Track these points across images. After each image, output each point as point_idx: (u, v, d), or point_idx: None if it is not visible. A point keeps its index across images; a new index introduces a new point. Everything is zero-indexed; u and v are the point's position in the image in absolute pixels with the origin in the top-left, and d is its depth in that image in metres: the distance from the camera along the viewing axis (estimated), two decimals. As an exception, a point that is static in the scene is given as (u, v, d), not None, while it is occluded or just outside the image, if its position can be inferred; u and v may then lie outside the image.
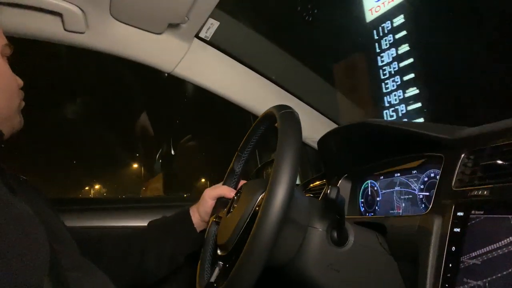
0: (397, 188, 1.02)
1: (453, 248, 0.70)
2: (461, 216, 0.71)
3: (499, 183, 0.67)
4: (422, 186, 0.94)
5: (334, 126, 1.34)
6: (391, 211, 1.03)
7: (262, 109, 1.06)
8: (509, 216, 0.62)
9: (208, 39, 1.22)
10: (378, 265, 0.86)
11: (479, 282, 0.63)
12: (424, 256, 0.74)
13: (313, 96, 1.34)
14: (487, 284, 0.61)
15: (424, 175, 0.94)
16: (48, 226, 0.67)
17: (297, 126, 0.78)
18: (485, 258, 0.63)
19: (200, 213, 1.05)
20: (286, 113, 0.82)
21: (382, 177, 1.08)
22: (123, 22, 1.11)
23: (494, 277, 0.61)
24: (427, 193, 0.93)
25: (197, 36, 1.20)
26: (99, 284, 0.75)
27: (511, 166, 0.67)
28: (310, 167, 1.39)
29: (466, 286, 0.64)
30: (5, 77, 0.81)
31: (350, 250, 0.85)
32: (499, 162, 0.69)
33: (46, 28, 1.06)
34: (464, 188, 0.74)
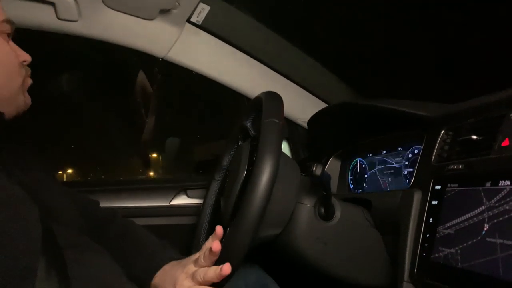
0: (383, 165, 1.06)
1: (431, 220, 0.74)
2: (438, 189, 0.75)
3: (473, 156, 0.71)
4: (406, 162, 0.98)
5: (325, 106, 1.37)
6: (378, 187, 1.07)
7: (255, 91, 1.10)
8: (480, 188, 0.66)
9: (200, 24, 1.24)
10: (363, 238, 0.91)
11: (452, 250, 0.67)
12: (404, 228, 0.79)
13: (304, 76, 1.37)
14: (459, 251, 0.66)
15: (408, 152, 0.98)
16: (45, 204, 0.68)
17: (280, 101, 0.82)
18: (458, 228, 0.67)
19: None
20: (269, 95, 0.85)
21: (370, 154, 1.12)
22: (115, 9, 1.13)
23: (465, 244, 0.65)
24: (411, 169, 0.97)
25: (188, 20, 1.22)
26: (97, 262, 0.74)
27: (484, 141, 0.70)
28: (301, 146, 1.42)
29: (441, 254, 0.69)
30: (3, 56, 0.77)
31: (337, 224, 0.89)
32: (474, 137, 0.73)
33: (39, 17, 1.08)
34: (442, 163, 0.78)
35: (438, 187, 0.75)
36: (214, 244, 0.73)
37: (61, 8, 1.07)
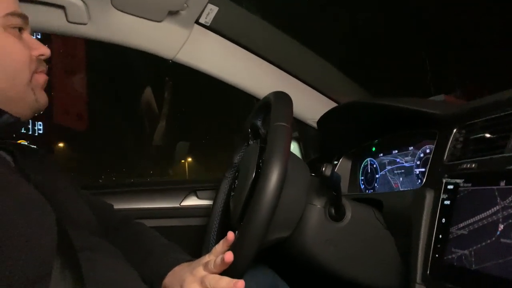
0: (395, 165, 1.05)
1: (443, 220, 0.72)
2: (451, 189, 0.73)
3: (486, 155, 0.69)
4: (418, 162, 0.97)
5: (335, 105, 1.36)
6: (389, 187, 1.06)
7: (264, 92, 1.09)
8: (494, 187, 0.64)
9: (208, 25, 1.24)
10: (375, 239, 0.90)
11: (465, 251, 0.65)
12: (416, 228, 0.77)
13: (313, 76, 1.36)
14: (473, 252, 0.64)
15: (420, 151, 0.96)
16: (60, 205, 0.69)
17: (289, 103, 0.81)
18: (471, 228, 0.66)
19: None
20: (278, 97, 0.84)
21: (381, 154, 1.10)
22: (124, 12, 1.14)
23: (479, 245, 0.63)
24: (423, 169, 0.95)
25: (197, 22, 1.22)
26: (113, 264, 0.74)
27: (497, 139, 0.69)
28: (311, 147, 1.41)
29: (454, 255, 0.67)
30: (5, 52, 0.72)
31: (348, 225, 0.88)
32: (487, 135, 0.71)
33: (49, 20, 1.09)
34: (455, 162, 0.76)
35: (450, 186, 0.74)
36: (227, 255, 0.71)
37: (71, 11, 1.08)
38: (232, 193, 0.98)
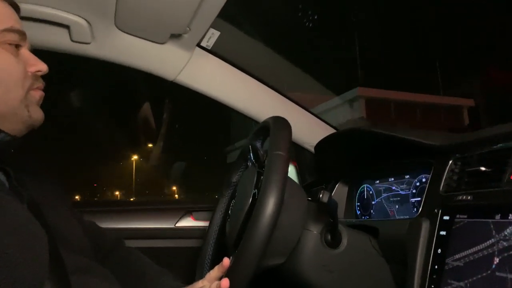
0: (391, 193, 1.05)
1: (439, 250, 0.73)
2: (447, 220, 0.74)
3: (482, 188, 0.70)
4: (414, 191, 0.98)
5: (332, 131, 1.38)
6: (385, 215, 1.06)
7: (263, 115, 1.10)
8: (489, 220, 0.65)
9: (210, 48, 1.26)
10: (370, 266, 0.90)
11: (461, 283, 0.66)
12: (412, 258, 0.78)
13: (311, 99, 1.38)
14: (468, 285, 0.65)
15: (416, 180, 0.97)
16: (53, 225, 0.69)
17: (287, 132, 0.82)
18: (467, 260, 0.66)
19: None
20: (278, 122, 0.85)
21: (378, 181, 1.11)
22: (127, 33, 1.15)
23: (475, 278, 0.64)
24: (419, 198, 0.96)
25: (198, 45, 1.24)
26: (105, 287, 0.74)
27: (493, 173, 0.70)
28: (308, 171, 1.42)
29: (450, 287, 0.68)
30: (0, 68, 0.71)
31: (343, 252, 0.88)
32: (483, 169, 0.72)
33: (53, 39, 1.11)
34: (450, 193, 0.77)
35: (446, 217, 0.75)
36: (223, 282, 0.70)
37: (75, 31, 1.09)
38: (228, 218, 0.98)
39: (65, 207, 0.87)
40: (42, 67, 0.78)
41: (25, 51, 0.77)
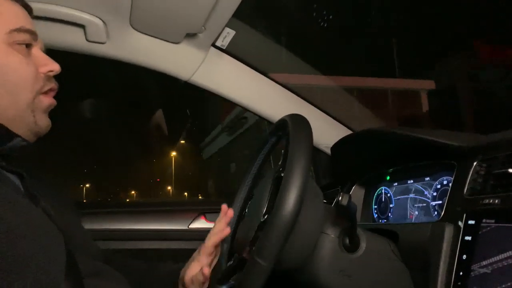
0: (410, 195, 1.03)
1: (464, 256, 0.70)
2: (472, 224, 0.71)
3: (510, 191, 0.67)
4: (434, 194, 0.95)
5: (349, 132, 1.35)
6: (403, 218, 1.03)
7: (278, 116, 1.08)
8: (519, 225, 0.62)
9: (225, 48, 1.25)
10: (390, 272, 0.87)
11: (489, 291, 0.63)
12: (435, 264, 0.75)
13: (328, 102, 1.36)
14: (496, 292, 0.62)
15: (437, 182, 0.94)
16: (67, 231, 0.68)
17: (308, 132, 0.79)
18: (496, 267, 0.63)
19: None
20: (297, 121, 0.83)
21: (396, 183, 1.08)
22: (142, 32, 1.15)
23: (504, 286, 0.61)
24: (440, 201, 0.93)
25: (213, 45, 1.23)
26: None
27: (522, 175, 0.67)
28: (323, 173, 1.40)
29: (476, 294, 0.65)
30: (8, 70, 0.69)
31: (362, 257, 0.85)
32: (510, 171, 0.69)
33: (68, 39, 1.11)
34: (476, 196, 0.74)
35: (471, 221, 0.72)
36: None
37: (90, 30, 1.09)
38: (241, 221, 0.96)
39: (72, 212, 0.87)
40: (54, 67, 0.77)
41: (36, 51, 0.76)
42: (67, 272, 0.60)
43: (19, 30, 0.72)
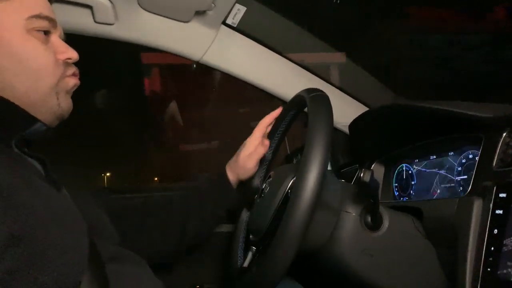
0: (433, 171, 0.99)
1: (495, 231, 0.67)
2: (503, 197, 0.68)
3: (545, 162, 0.63)
4: (459, 168, 0.91)
5: (366, 109, 1.31)
6: (426, 195, 1.00)
7: (292, 95, 1.06)
8: (557, 196, 0.58)
9: (235, 25, 1.21)
10: (414, 250, 0.84)
11: (524, 266, 0.60)
12: (463, 240, 0.72)
13: (343, 79, 1.32)
14: (533, 267, 0.58)
15: (461, 157, 0.90)
16: (88, 217, 0.67)
17: (328, 108, 0.77)
18: (531, 241, 0.60)
19: (237, 170, 1.04)
20: (316, 96, 0.80)
21: (417, 160, 1.04)
22: (151, 12, 1.12)
23: (540, 260, 0.58)
24: (465, 176, 0.89)
25: (224, 23, 1.19)
26: (138, 274, 0.74)
27: (558, 143, 0.63)
28: (341, 152, 1.36)
29: (510, 269, 0.62)
30: (27, 56, 0.69)
31: (385, 235, 0.83)
32: (545, 140, 0.65)
33: (76, 21, 1.08)
34: (506, 169, 0.71)
35: (503, 194, 0.68)
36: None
37: (98, 11, 1.06)
38: (257, 207, 0.94)
39: (89, 196, 0.87)
40: (73, 54, 0.76)
41: (55, 38, 0.75)
42: (90, 257, 0.59)
43: (38, 16, 0.71)
